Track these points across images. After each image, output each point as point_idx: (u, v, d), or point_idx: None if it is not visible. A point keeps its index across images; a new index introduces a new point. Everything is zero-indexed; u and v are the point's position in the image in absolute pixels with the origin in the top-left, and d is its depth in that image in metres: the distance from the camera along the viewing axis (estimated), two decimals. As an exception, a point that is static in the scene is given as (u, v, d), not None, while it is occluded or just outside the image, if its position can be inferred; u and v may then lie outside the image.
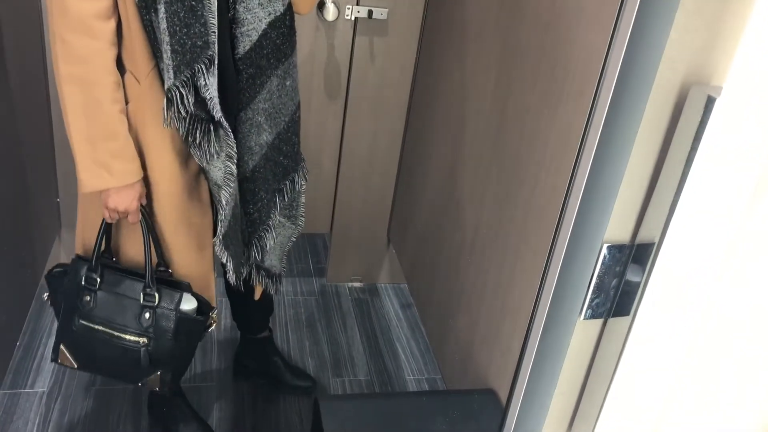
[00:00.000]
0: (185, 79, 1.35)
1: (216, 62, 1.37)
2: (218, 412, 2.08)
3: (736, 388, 1.03)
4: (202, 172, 1.56)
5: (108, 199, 1.44)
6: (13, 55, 1.97)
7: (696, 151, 0.81)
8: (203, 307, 1.61)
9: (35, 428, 1.94)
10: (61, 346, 1.57)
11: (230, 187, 1.51)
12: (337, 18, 2.22)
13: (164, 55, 1.33)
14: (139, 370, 1.58)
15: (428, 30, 2.26)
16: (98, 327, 1.54)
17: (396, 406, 1.49)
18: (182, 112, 1.37)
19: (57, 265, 1.61)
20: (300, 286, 2.74)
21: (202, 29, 1.33)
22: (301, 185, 1.72)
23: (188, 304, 1.57)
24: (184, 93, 1.35)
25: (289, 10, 1.50)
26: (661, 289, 0.90)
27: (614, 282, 0.95)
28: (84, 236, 1.61)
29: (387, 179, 2.57)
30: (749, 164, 0.83)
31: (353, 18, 2.26)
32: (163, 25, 1.30)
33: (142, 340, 1.54)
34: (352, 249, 2.71)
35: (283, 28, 1.48)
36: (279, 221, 1.71)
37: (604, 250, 0.93)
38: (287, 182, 1.68)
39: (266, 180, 1.62)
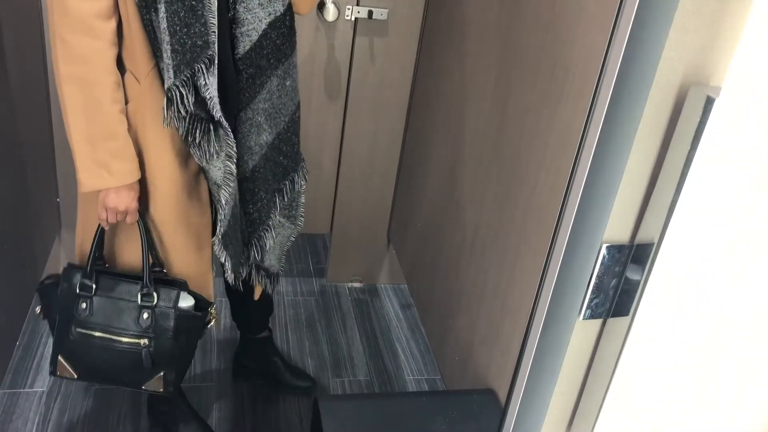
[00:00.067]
0: (185, 78, 1.35)
1: (216, 62, 1.37)
2: (218, 412, 2.08)
3: (736, 387, 1.03)
4: (202, 171, 1.56)
5: (107, 199, 1.44)
6: (14, 55, 1.97)
7: (695, 151, 0.81)
8: (201, 303, 1.60)
9: (35, 428, 1.94)
10: (60, 358, 1.55)
11: (230, 186, 1.51)
12: (337, 18, 2.22)
13: (164, 55, 1.33)
14: (141, 373, 1.57)
15: (428, 30, 2.27)
16: (96, 333, 1.53)
17: (396, 406, 1.49)
18: (182, 111, 1.38)
19: (48, 277, 1.59)
20: (300, 286, 2.74)
21: (202, 29, 1.33)
22: (301, 185, 1.72)
23: (186, 301, 1.57)
24: (184, 92, 1.35)
25: (289, 11, 1.50)
26: (660, 289, 0.90)
27: (613, 282, 0.95)
28: (83, 240, 1.61)
29: (387, 179, 2.57)
30: (748, 164, 0.83)
31: (353, 18, 2.27)
32: (164, 24, 1.30)
33: (143, 341, 1.54)
34: (352, 249, 2.71)
35: (283, 28, 1.48)
36: (279, 221, 1.71)
37: (604, 250, 0.93)
38: (287, 182, 1.68)
39: (266, 180, 1.62)
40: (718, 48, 0.84)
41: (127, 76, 1.42)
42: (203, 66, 1.35)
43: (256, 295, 1.83)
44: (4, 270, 1.95)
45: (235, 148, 1.49)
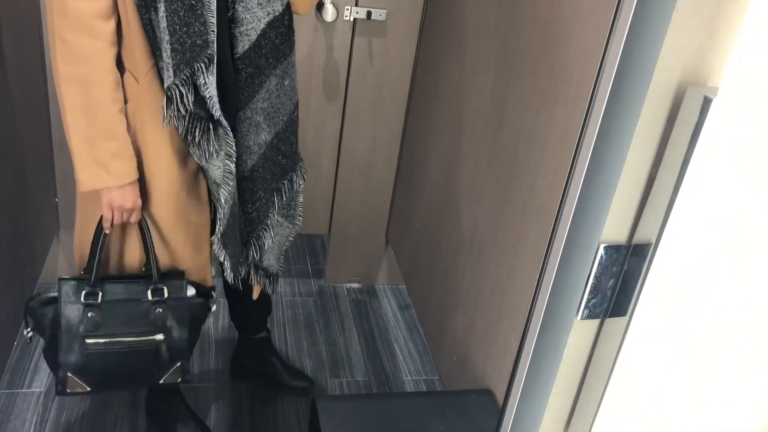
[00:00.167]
0: (185, 77, 1.35)
1: (215, 61, 1.38)
2: (216, 413, 2.08)
3: (734, 387, 1.04)
4: (201, 170, 1.56)
5: (113, 199, 1.45)
6: (12, 55, 1.97)
7: (692, 151, 0.81)
8: (201, 290, 1.63)
9: (32, 428, 1.94)
10: (70, 375, 1.52)
11: (229, 185, 1.52)
12: (335, 19, 2.22)
13: (164, 54, 1.33)
14: (159, 368, 1.58)
15: (427, 31, 2.27)
16: (110, 340, 1.51)
17: (393, 406, 1.49)
18: (182, 110, 1.38)
19: (32, 297, 1.55)
20: (298, 286, 2.74)
21: (202, 28, 1.34)
22: (299, 185, 1.72)
23: (189, 290, 1.59)
24: (183, 91, 1.36)
25: (288, 10, 1.50)
26: (657, 289, 0.90)
27: (611, 282, 0.95)
28: (82, 240, 1.61)
29: (385, 180, 2.57)
30: (746, 164, 0.83)
31: (352, 19, 2.27)
32: (163, 23, 1.30)
33: (158, 336, 1.54)
34: (351, 250, 2.71)
35: (282, 27, 1.48)
36: (277, 221, 1.71)
37: (601, 250, 0.93)
38: (285, 182, 1.68)
39: (265, 179, 1.62)
40: (715, 48, 0.84)
41: (126, 75, 1.42)
42: (203, 65, 1.36)
43: (255, 295, 1.83)
44: (2, 270, 1.95)
45: (234, 147, 1.50)
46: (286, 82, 1.56)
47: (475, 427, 1.41)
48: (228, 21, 1.41)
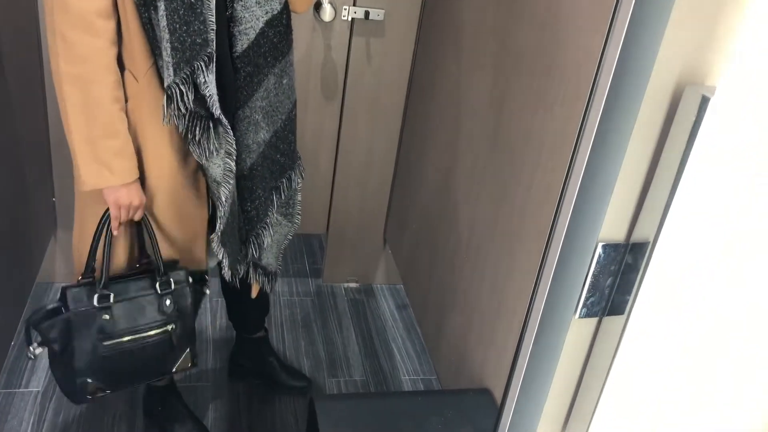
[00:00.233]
0: (185, 76, 1.35)
1: (214, 60, 1.38)
2: (214, 412, 2.07)
3: (733, 387, 1.04)
4: (201, 168, 1.57)
5: (120, 197, 1.46)
6: (10, 54, 1.97)
7: (690, 150, 0.82)
8: (197, 276, 1.67)
9: (30, 428, 1.93)
10: (89, 381, 1.54)
11: (229, 183, 1.52)
12: (333, 18, 2.22)
13: (164, 53, 1.33)
14: (172, 357, 1.63)
15: (425, 31, 2.27)
16: (126, 338, 1.54)
17: (391, 405, 1.49)
18: (182, 109, 1.38)
19: (33, 312, 1.53)
20: (296, 286, 2.74)
21: (201, 27, 1.34)
22: (298, 183, 1.73)
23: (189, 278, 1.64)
24: (183, 90, 1.36)
25: (286, 9, 1.50)
26: (656, 287, 0.90)
27: (609, 281, 0.95)
28: (80, 241, 1.61)
29: (383, 180, 2.57)
30: (744, 163, 0.83)
31: (350, 19, 2.27)
32: (163, 22, 1.30)
33: (170, 327, 1.58)
34: (348, 250, 2.71)
35: (280, 26, 1.49)
36: (276, 219, 1.72)
37: (599, 249, 0.93)
38: (284, 180, 1.69)
39: (263, 178, 1.62)
40: (713, 48, 0.84)
41: (126, 74, 1.42)
42: (202, 63, 1.36)
43: (254, 293, 1.84)
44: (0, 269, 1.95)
45: (234, 146, 1.50)
46: (285, 81, 1.56)
47: (473, 426, 1.41)
48: (227, 20, 1.41)
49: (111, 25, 1.35)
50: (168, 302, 1.57)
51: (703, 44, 0.84)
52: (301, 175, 1.74)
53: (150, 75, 1.41)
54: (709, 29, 0.83)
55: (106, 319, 1.51)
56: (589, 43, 1.16)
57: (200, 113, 1.42)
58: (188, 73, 1.35)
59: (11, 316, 2.18)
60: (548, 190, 1.30)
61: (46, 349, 1.55)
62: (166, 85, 1.36)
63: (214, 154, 1.47)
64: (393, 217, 2.60)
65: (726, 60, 0.84)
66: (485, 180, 1.63)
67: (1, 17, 1.89)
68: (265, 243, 1.71)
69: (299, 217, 1.78)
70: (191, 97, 1.37)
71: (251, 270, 1.75)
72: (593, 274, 0.94)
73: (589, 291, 0.95)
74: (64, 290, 1.52)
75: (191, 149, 1.47)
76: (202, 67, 1.36)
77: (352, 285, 2.79)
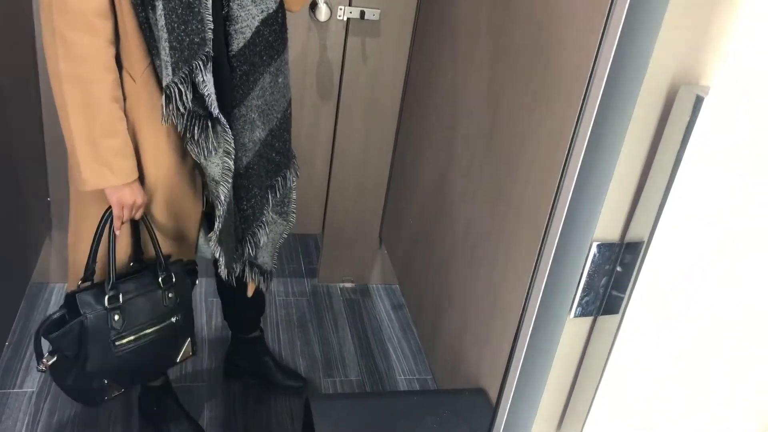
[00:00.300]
0: (183, 75, 1.36)
1: (211, 59, 1.38)
2: (209, 412, 2.07)
3: (726, 386, 1.04)
4: (197, 167, 1.57)
5: (123, 197, 1.46)
6: (4, 53, 1.96)
7: (685, 149, 0.82)
8: (190, 267, 1.71)
9: (24, 428, 1.93)
10: (106, 382, 1.57)
11: (228, 182, 1.52)
12: (329, 18, 2.22)
13: (162, 52, 1.33)
14: (176, 348, 1.67)
15: (420, 30, 2.27)
16: (136, 336, 1.56)
17: (387, 405, 1.49)
18: (181, 108, 1.38)
19: (44, 321, 1.52)
20: (291, 286, 2.74)
21: (199, 26, 1.34)
22: (293, 181, 1.74)
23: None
24: (182, 89, 1.36)
25: (281, 8, 1.51)
26: (650, 287, 0.91)
27: (604, 280, 0.95)
28: (76, 241, 1.60)
29: (379, 180, 2.57)
30: (738, 163, 0.83)
31: (345, 18, 2.27)
32: (162, 21, 1.30)
33: (174, 318, 1.62)
34: (344, 250, 2.71)
35: (276, 25, 1.49)
36: (271, 218, 1.72)
37: (594, 249, 0.93)
38: (279, 178, 1.69)
39: (259, 177, 1.63)
40: (707, 48, 0.85)
41: (123, 74, 1.42)
42: (200, 63, 1.36)
43: (250, 292, 1.84)
44: (-7, 269, 1.95)
45: (233, 144, 1.50)
46: (280, 80, 1.56)
47: (469, 425, 1.41)
48: (223, 18, 1.41)
49: (109, 24, 1.35)
50: (171, 295, 1.61)
51: (697, 44, 0.85)
52: (296, 174, 1.75)
53: (147, 75, 1.41)
54: (703, 29, 0.84)
55: (116, 320, 1.53)
56: (585, 43, 1.16)
57: (199, 112, 1.42)
58: (186, 72, 1.35)
59: (5, 316, 2.17)
60: (543, 190, 1.30)
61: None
62: (164, 84, 1.36)
63: (213, 153, 1.47)
64: (389, 216, 2.60)
65: (720, 60, 0.85)
66: (481, 179, 1.63)
67: (-5, 16, 1.89)
68: (261, 242, 1.71)
69: (294, 215, 1.78)
70: (190, 96, 1.38)
71: (247, 269, 1.75)
72: (588, 274, 0.95)
73: (583, 290, 0.96)
74: (71, 296, 1.52)
75: (189, 148, 1.47)
76: (200, 67, 1.36)
77: (348, 285, 2.79)
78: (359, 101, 2.40)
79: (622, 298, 0.95)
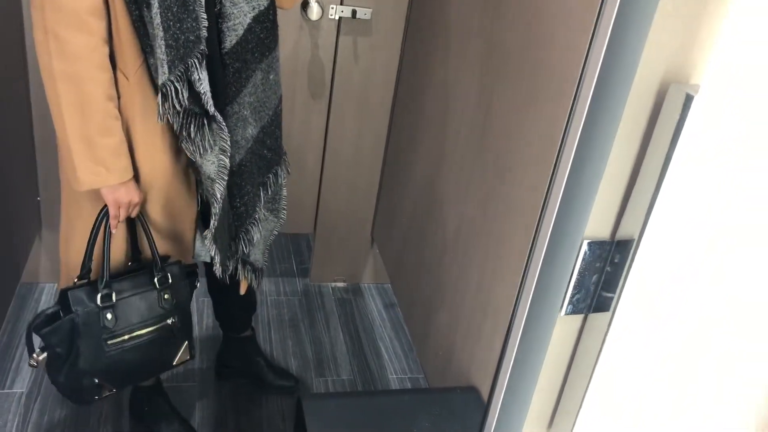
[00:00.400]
0: (179, 73, 1.35)
1: (206, 56, 1.38)
2: (200, 412, 2.07)
3: (716, 383, 1.05)
4: (191, 165, 1.57)
5: (119, 196, 1.45)
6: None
7: (675, 148, 0.82)
8: (189, 269, 1.69)
9: (14, 429, 1.92)
10: (96, 381, 1.55)
11: (224, 180, 1.52)
12: (320, 17, 2.22)
13: (158, 51, 1.33)
14: (173, 351, 1.64)
15: (412, 30, 2.27)
16: (128, 336, 1.55)
17: (379, 404, 1.49)
18: (177, 106, 1.38)
19: (37, 316, 1.52)
20: (283, 286, 2.73)
21: (194, 24, 1.34)
22: (283, 178, 1.74)
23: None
24: (178, 87, 1.36)
25: (272, 5, 1.51)
26: (640, 284, 0.91)
27: (594, 278, 0.96)
28: (68, 241, 1.59)
29: (371, 179, 2.57)
30: (727, 161, 0.84)
31: (337, 17, 2.27)
32: (157, 20, 1.30)
33: (170, 320, 1.60)
34: (336, 249, 2.71)
35: (267, 22, 1.49)
36: (263, 215, 1.72)
37: (585, 246, 0.94)
38: (271, 175, 1.70)
39: (252, 174, 1.63)
40: (697, 47, 0.85)
41: (116, 73, 1.41)
42: (196, 61, 1.36)
43: (242, 290, 1.83)
44: (-17, 269, 1.93)
45: (228, 142, 1.50)
46: (271, 77, 1.56)
47: (461, 423, 1.42)
48: (215, 16, 1.41)
49: (103, 23, 1.34)
50: (167, 296, 1.59)
51: (686, 44, 0.85)
52: (287, 170, 1.75)
53: (140, 73, 1.41)
54: (692, 29, 0.84)
55: (109, 318, 1.51)
56: (575, 42, 1.17)
57: (194, 110, 1.42)
58: (182, 70, 1.35)
59: (-5, 316, 2.16)
60: (534, 188, 1.31)
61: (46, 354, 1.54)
62: (160, 82, 1.36)
63: (209, 151, 1.47)
64: (380, 216, 2.60)
65: (709, 59, 0.85)
66: (472, 178, 1.64)
67: (-16, 15, 1.87)
68: (255, 239, 1.71)
69: (285, 212, 1.79)
70: (186, 94, 1.37)
71: (240, 266, 1.75)
72: (579, 272, 0.95)
73: (574, 288, 0.96)
74: (64, 292, 1.51)
75: (185, 147, 1.47)
76: (196, 64, 1.36)
77: (340, 284, 2.79)
78: (351, 100, 2.40)
79: (612, 296, 0.95)
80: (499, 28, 1.52)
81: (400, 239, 2.29)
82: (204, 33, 1.36)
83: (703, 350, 1.00)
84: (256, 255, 1.77)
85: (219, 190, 1.52)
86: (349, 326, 2.56)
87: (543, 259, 0.98)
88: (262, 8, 1.47)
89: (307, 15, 2.21)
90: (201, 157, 1.47)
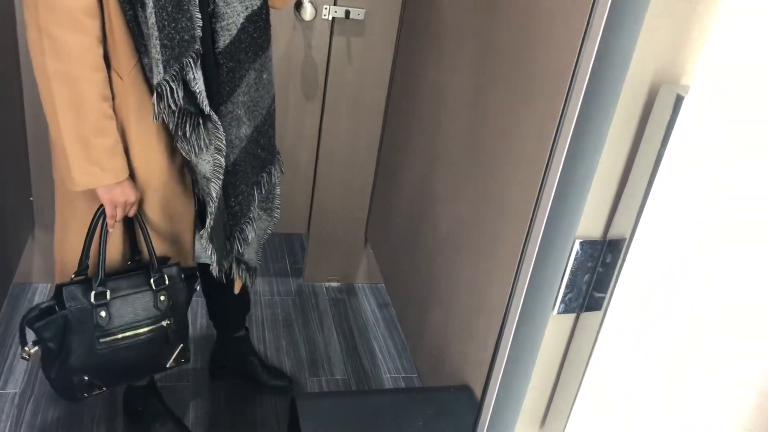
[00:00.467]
0: (174, 73, 1.35)
1: (200, 56, 1.38)
2: (195, 412, 2.07)
3: (707, 383, 1.05)
4: (186, 165, 1.57)
5: (115, 196, 1.45)
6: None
7: (665, 147, 0.83)
8: (188, 272, 1.68)
9: (7, 429, 1.91)
10: (86, 378, 1.54)
11: (219, 179, 1.53)
12: (314, 18, 2.23)
13: (153, 50, 1.33)
14: (167, 353, 1.63)
15: (405, 30, 2.28)
16: (121, 335, 1.54)
17: (373, 403, 1.50)
18: (172, 106, 1.38)
19: (31, 309, 1.52)
20: (277, 286, 2.73)
21: (189, 23, 1.34)
22: (277, 177, 1.74)
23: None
24: (174, 87, 1.36)
25: (265, 4, 1.52)
26: (632, 283, 0.92)
27: (586, 277, 0.96)
28: (62, 241, 1.59)
29: (365, 179, 2.58)
30: (718, 161, 0.85)
31: (330, 18, 2.27)
32: (152, 19, 1.30)
33: (165, 322, 1.59)
34: (330, 249, 2.71)
35: (260, 21, 1.49)
36: (257, 214, 1.72)
37: (577, 246, 0.94)
38: (264, 175, 1.70)
39: (246, 173, 1.63)
40: (687, 48, 0.86)
41: (110, 73, 1.41)
42: (191, 60, 1.36)
43: (237, 289, 1.84)
44: (-25, 269, 1.93)
45: (224, 141, 1.50)
46: (264, 76, 1.57)
47: (454, 422, 1.42)
48: (209, 16, 1.41)
49: (97, 23, 1.34)
50: (163, 298, 1.58)
51: (677, 44, 0.86)
52: (281, 169, 1.76)
53: (134, 74, 1.41)
54: (683, 29, 0.85)
55: (102, 316, 1.51)
56: (567, 43, 1.17)
57: (189, 110, 1.42)
58: (177, 70, 1.35)
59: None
60: (527, 188, 1.31)
61: (39, 349, 1.53)
62: (155, 82, 1.36)
63: (204, 150, 1.47)
64: (374, 216, 2.60)
65: (700, 60, 0.86)
66: (465, 178, 1.64)
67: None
68: (249, 238, 1.71)
69: (278, 211, 1.79)
70: (181, 93, 1.37)
71: (234, 266, 1.75)
72: (571, 271, 0.96)
73: (566, 287, 0.97)
74: (59, 288, 1.51)
75: (180, 146, 1.47)
76: (190, 64, 1.36)
77: (334, 284, 2.79)
78: (345, 101, 2.40)
79: (604, 295, 0.96)
80: (491, 28, 1.53)
81: (393, 239, 2.30)
82: (199, 32, 1.36)
83: (694, 350, 1.01)
84: (250, 254, 1.77)
85: (215, 189, 1.52)
86: (342, 326, 2.56)
87: (535, 259, 0.98)
88: (255, 8, 1.47)
89: (300, 15, 2.21)
90: (196, 156, 1.47)
